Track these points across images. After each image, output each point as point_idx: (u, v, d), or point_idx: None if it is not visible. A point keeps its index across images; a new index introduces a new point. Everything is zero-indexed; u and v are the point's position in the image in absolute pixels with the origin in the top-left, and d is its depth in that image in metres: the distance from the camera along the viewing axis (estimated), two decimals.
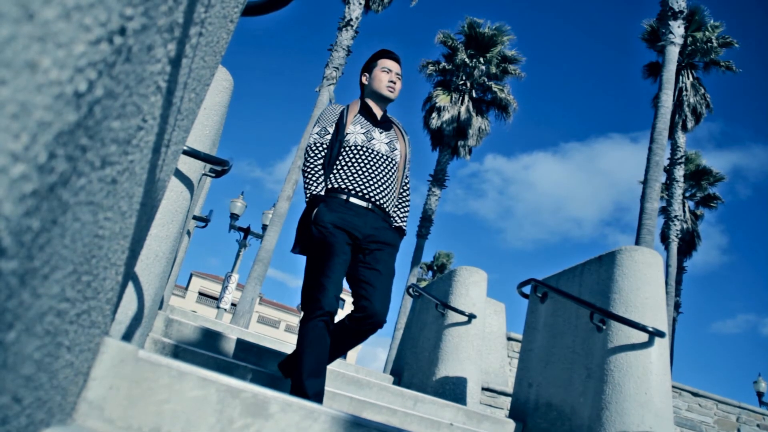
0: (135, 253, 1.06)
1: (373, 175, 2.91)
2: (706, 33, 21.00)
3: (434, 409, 3.75)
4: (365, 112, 3.09)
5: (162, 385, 1.09)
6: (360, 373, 4.96)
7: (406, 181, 3.13)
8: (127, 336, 2.40)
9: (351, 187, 2.86)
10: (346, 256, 2.78)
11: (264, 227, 17.83)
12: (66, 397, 0.83)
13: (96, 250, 0.70)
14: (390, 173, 2.98)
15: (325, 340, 2.69)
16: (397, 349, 6.33)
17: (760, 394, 22.14)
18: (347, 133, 2.97)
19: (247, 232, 18.14)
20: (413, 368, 5.59)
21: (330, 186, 2.89)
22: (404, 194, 3.12)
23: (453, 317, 5.19)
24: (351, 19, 18.61)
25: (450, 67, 23.19)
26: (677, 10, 15.97)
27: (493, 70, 22.73)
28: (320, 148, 2.94)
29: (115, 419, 1.01)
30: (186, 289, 45.56)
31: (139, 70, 0.59)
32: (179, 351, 2.96)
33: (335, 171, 2.90)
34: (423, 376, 5.27)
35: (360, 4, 18.86)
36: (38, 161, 0.40)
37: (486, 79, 22.85)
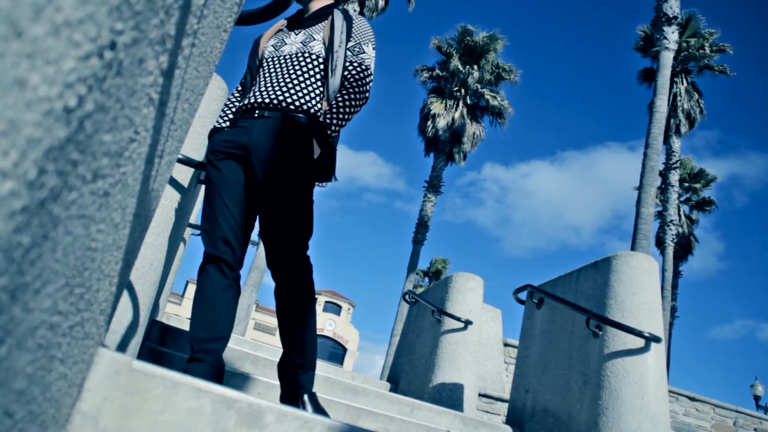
0: (129, 264, 1.06)
1: (275, 80, 2.44)
2: (701, 39, 21.12)
3: (431, 416, 3.75)
4: (291, 18, 2.68)
5: (156, 396, 1.08)
6: (356, 381, 4.96)
7: (354, 63, 2.48)
8: (123, 345, 2.40)
9: (245, 103, 2.45)
10: (234, 191, 2.36)
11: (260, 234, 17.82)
12: (59, 410, 0.83)
13: (89, 262, 0.70)
14: (302, 68, 2.45)
15: (210, 288, 2.32)
16: (394, 356, 6.32)
17: (757, 398, 22.17)
18: (261, 54, 2.60)
19: None
20: (410, 375, 5.58)
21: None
22: (351, 81, 2.45)
23: (449, 324, 5.18)
24: None
25: (444, 73, 23.26)
26: (671, 15, 16.06)
27: (487, 76, 22.80)
28: (239, 87, 2.66)
29: (110, 431, 1.01)
30: (182, 296, 45.43)
31: (130, 83, 0.59)
32: (176, 360, 2.95)
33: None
34: (420, 383, 5.26)
35: (355, 11, 18.93)
36: (28, 177, 0.40)
37: (479, 86, 22.92)
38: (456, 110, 22.73)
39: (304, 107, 2.39)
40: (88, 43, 0.43)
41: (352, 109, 2.40)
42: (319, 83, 2.46)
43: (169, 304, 39.28)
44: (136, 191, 0.82)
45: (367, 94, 2.46)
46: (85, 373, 0.96)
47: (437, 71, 23.41)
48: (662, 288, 19.20)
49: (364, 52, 2.51)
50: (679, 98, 21.70)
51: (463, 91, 22.91)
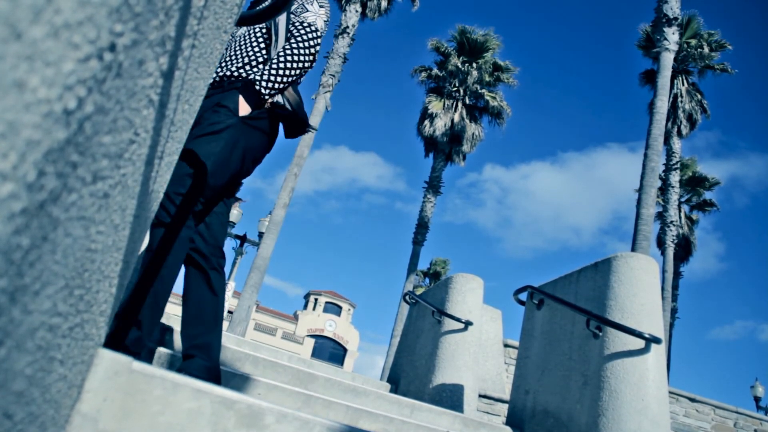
0: (129, 265, 1.06)
1: (222, 61, 2.41)
2: (701, 40, 21.13)
3: (431, 417, 3.74)
4: None
5: (156, 397, 1.08)
6: (356, 381, 4.95)
7: (296, 22, 2.39)
8: None
9: None
10: None
11: (260, 235, 17.82)
12: (59, 411, 0.83)
13: (88, 263, 0.70)
14: (247, 43, 2.42)
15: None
16: (394, 357, 6.32)
17: (757, 399, 22.15)
18: None
19: (243, 239, 18.11)
20: (410, 376, 5.58)
21: None
22: (291, 40, 2.35)
23: (450, 324, 5.18)
24: (347, 27, 18.68)
25: (442, 73, 23.27)
26: (672, 16, 16.04)
27: (486, 77, 22.80)
28: None
29: None
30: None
31: (130, 85, 0.59)
32: (175, 360, 2.95)
33: None
34: (420, 384, 5.26)
35: (357, 11, 18.94)
36: (27, 180, 0.40)
37: (478, 87, 22.92)
38: (455, 111, 22.73)
39: (243, 75, 2.34)
40: (88, 45, 0.43)
41: (292, 65, 2.29)
42: (263, 51, 2.40)
43: (169, 304, 39.20)
44: (136, 192, 0.82)
45: (311, 50, 2.35)
46: (85, 374, 0.96)
47: (435, 71, 23.41)
48: (662, 289, 19.20)
49: (307, 11, 2.42)
50: (680, 99, 21.70)
51: (461, 91, 22.91)
